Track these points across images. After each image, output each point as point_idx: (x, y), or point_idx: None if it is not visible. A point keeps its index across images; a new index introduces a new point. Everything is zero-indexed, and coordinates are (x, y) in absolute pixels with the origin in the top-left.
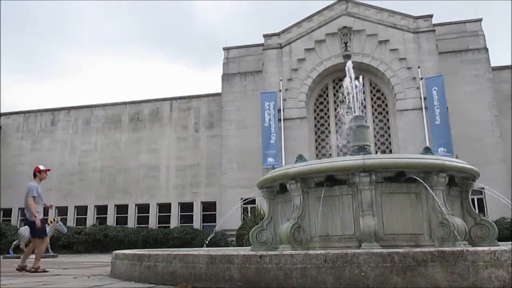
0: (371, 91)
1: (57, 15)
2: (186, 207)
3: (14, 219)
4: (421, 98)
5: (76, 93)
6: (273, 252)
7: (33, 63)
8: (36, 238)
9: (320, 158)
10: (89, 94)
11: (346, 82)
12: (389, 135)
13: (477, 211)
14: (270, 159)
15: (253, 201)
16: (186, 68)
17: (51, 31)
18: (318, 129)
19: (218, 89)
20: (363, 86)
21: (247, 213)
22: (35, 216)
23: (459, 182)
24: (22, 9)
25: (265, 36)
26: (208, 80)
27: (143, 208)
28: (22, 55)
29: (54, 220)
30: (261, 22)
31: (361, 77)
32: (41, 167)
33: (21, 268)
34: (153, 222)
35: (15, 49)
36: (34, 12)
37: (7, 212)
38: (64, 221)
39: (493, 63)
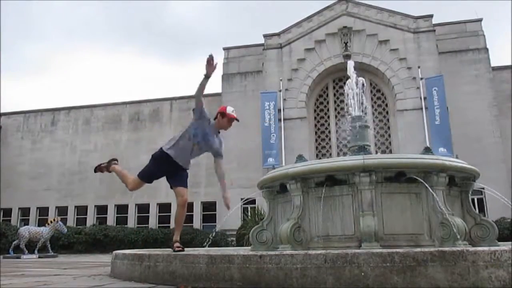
0: (371, 91)
1: (21, 9)
2: (186, 207)
3: (14, 219)
4: (421, 98)
5: (60, 92)
6: (273, 252)
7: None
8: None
9: (320, 158)
10: (73, 94)
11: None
12: (389, 135)
13: (477, 211)
14: (270, 159)
15: (253, 201)
16: (163, 65)
17: (14, 25)
18: (318, 129)
19: (218, 89)
20: (364, 86)
21: (247, 213)
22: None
23: (459, 182)
24: None
25: (265, 36)
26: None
27: (143, 208)
28: None
29: (54, 220)
30: (243, 17)
31: (362, 78)
32: (230, 110)
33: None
34: (153, 222)
35: None
36: None
37: (7, 212)
38: (64, 221)
39: (493, 63)
